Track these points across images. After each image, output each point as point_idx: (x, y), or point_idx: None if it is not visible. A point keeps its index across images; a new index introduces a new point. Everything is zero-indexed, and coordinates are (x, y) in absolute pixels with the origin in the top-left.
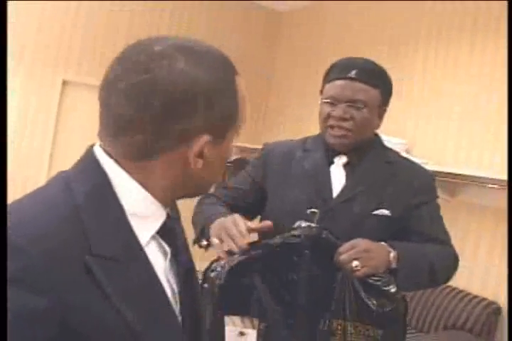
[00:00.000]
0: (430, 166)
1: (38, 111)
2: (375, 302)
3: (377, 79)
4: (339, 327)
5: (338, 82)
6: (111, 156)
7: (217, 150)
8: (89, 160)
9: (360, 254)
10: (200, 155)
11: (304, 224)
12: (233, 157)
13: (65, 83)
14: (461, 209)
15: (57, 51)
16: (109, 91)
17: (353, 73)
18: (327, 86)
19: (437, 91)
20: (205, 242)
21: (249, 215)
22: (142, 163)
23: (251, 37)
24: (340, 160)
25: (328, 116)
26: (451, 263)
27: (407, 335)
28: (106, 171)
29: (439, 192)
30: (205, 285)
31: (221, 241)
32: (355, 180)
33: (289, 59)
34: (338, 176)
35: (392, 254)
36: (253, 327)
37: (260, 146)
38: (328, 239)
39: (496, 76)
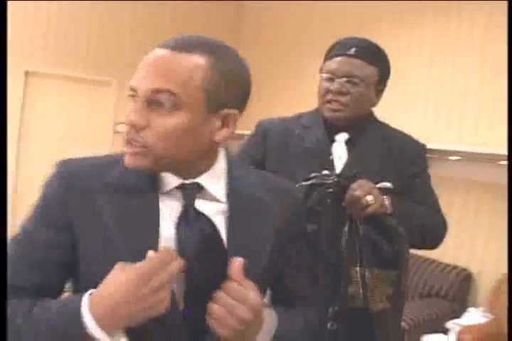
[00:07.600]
0: None
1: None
2: (386, 243)
3: (375, 58)
4: (357, 275)
5: (338, 59)
6: None
7: None
8: None
9: (371, 190)
10: None
11: (323, 172)
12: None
13: (27, 74)
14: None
15: (19, 42)
16: None
17: (352, 50)
18: (327, 62)
19: (398, 72)
20: None
21: None
22: None
23: (214, 28)
24: (342, 137)
25: (327, 91)
26: (440, 227)
27: None
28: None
29: None
30: None
31: None
32: (357, 156)
33: (253, 52)
34: (339, 153)
35: (387, 201)
36: None
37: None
38: (346, 187)
39: (458, 55)
